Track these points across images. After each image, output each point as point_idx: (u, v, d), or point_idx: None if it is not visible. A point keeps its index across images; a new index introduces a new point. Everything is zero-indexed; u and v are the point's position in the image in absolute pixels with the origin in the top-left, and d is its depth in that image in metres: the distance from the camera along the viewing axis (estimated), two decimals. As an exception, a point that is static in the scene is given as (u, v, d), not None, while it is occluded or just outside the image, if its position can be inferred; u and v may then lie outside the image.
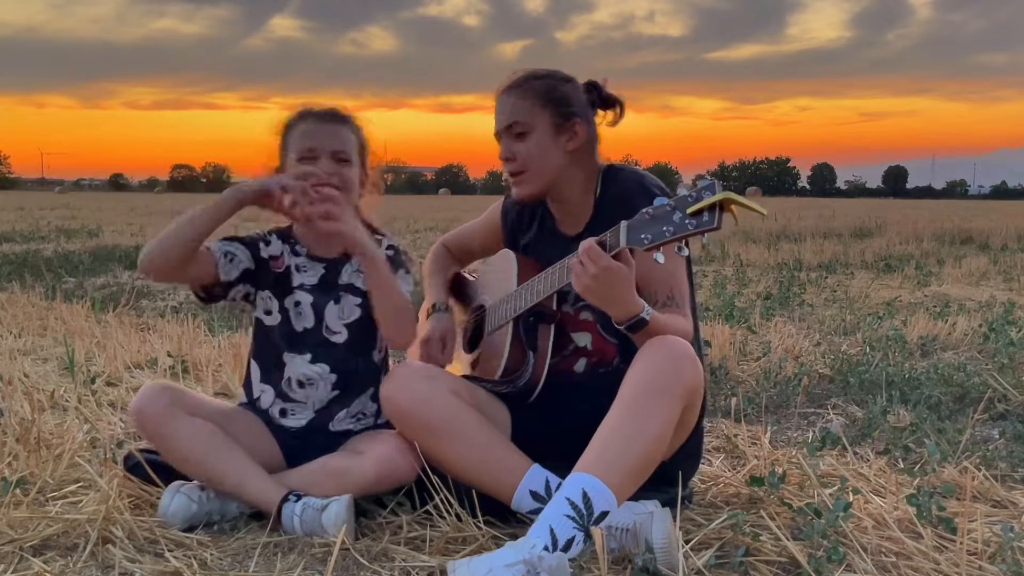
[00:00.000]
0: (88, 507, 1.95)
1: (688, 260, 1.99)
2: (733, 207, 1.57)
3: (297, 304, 2.07)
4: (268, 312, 2.09)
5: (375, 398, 2.10)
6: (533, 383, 2.03)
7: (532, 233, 2.20)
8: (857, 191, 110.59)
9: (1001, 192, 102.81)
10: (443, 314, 2.25)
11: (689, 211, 1.59)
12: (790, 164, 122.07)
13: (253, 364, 2.13)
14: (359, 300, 2.08)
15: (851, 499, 1.94)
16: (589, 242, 1.74)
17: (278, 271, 2.08)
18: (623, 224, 1.70)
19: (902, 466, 2.42)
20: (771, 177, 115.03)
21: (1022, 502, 2.15)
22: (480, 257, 2.45)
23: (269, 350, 2.10)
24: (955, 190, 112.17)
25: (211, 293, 2.06)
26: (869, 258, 9.76)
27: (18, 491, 1.98)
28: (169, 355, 3.66)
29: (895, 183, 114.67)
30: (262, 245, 2.10)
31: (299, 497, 1.88)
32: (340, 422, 2.09)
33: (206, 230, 1.92)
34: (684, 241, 1.65)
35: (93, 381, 3.18)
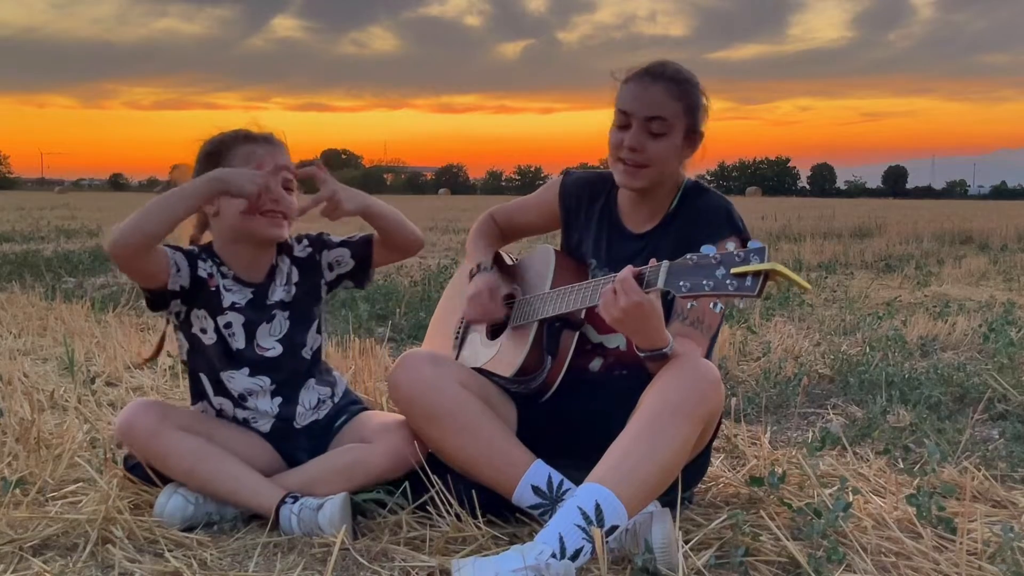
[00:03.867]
0: (88, 507, 1.95)
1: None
2: (778, 277, 1.54)
3: (228, 325, 2.03)
4: (203, 331, 2.04)
5: (322, 382, 2.12)
6: (546, 387, 2.03)
7: (593, 219, 2.17)
8: (857, 191, 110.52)
9: (1001, 192, 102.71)
10: (488, 272, 2.17)
11: (733, 271, 1.57)
12: (790, 164, 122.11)
13: (202, 378, 2.07)
14: (287, 313, 2.08)
15: (851, 499, 1.94)
16: (627, 273, 1.72)
17: (212, 289, 2.03)
18: (664, 264, 1.68)
19: (902, 466, 2.42)
20: (771, 177, 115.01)
21: (1022, 502, 2.15)
22: (529, 233, 2.41)
23: (210, 367, 2.06)
24: (955, 190, 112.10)
25: (154, 301, 2.01)
26: (869, 258, 9.76)
27: (18, 491, 1.98)
28: (169, 355, 3.65)
29: (895, 183, 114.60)
30: (199, 263, 2.02)
31: (296, 498, 1.88)
32: (303, 418, 2.08)
33: (181, 215, 1.87)
34: (720, 299, 1.62)
35: (93, 381, 3.18)
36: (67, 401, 2.95)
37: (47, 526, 1.85)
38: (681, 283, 1.64)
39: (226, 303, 2.03)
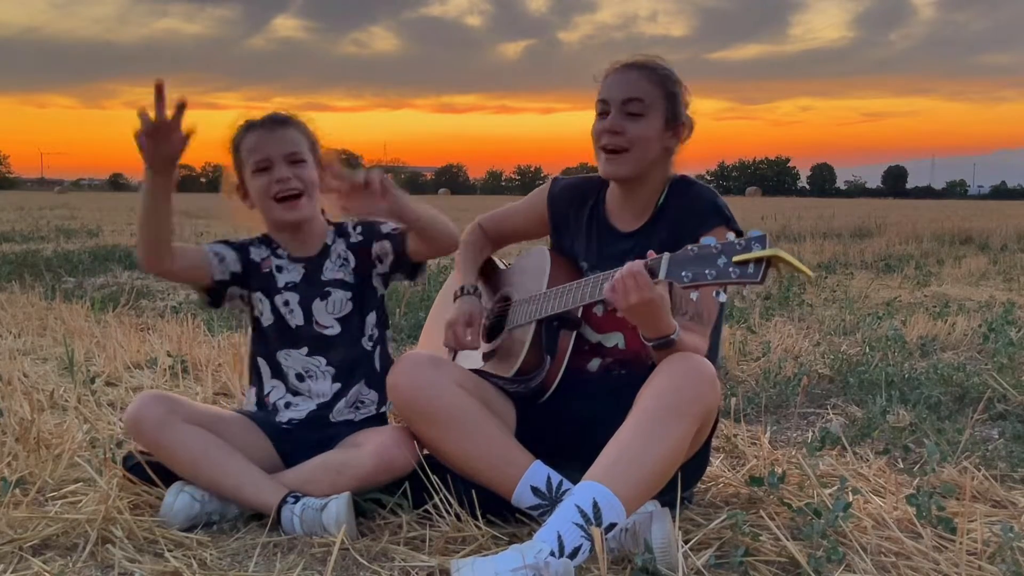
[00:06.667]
0: (88, 507, 1.95)
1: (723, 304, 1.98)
2: (780, 264, 1.55)
3: (287, 303, 2.13)
4: (261, 313, 2.15)
5: (372, 385, 2.14)
6: (545, 387, 2.03)
7: (582, 222, 2.18)
8: (857, 191, 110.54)
9: (1001, 192, 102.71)
10: (471, 297, 2.20)
11: (735, 259, 1.58)
12: (790, 164, 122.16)
13: (261, 362, 2.17)
14: (349, 294, 2.14)
15: (851, 499, 1.94)
16: (639, 267, 1.72)
17: (265, 271, 2.15)
18: (666, 256, 1.68)
19: (902, 466, 2.42)
20: (771, 177, 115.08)
21: (1022, 502, 2.15)
22: (518, 240, 2.42)
23: (269, 348, 2.15)
24: (955, 190, 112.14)
25: (213, 296, 2.13)
26: (869, 258, 9.76)
27: (18, 491, 1.99)
28: (169, 355, 3.65)
29: (895, 183, 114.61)
30: (252, 248, 2.16)
31: (298, 498, 1.89)
32: (340, 412, 2.12)
33: (155, 209, 1.92)
34: (724, 287, 1.63)
35: (93, 381, 3.18)
36: (67, 401, 2.95)
37: (47, 526, 1.85)
38: (683, 273, 1.64)
39: (281, 283, 2.13)
